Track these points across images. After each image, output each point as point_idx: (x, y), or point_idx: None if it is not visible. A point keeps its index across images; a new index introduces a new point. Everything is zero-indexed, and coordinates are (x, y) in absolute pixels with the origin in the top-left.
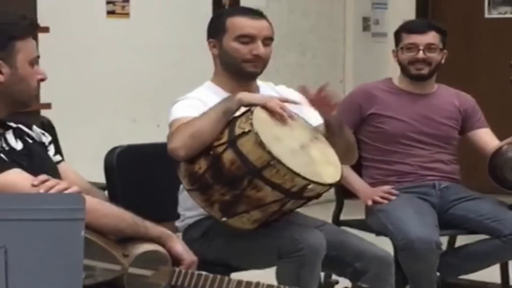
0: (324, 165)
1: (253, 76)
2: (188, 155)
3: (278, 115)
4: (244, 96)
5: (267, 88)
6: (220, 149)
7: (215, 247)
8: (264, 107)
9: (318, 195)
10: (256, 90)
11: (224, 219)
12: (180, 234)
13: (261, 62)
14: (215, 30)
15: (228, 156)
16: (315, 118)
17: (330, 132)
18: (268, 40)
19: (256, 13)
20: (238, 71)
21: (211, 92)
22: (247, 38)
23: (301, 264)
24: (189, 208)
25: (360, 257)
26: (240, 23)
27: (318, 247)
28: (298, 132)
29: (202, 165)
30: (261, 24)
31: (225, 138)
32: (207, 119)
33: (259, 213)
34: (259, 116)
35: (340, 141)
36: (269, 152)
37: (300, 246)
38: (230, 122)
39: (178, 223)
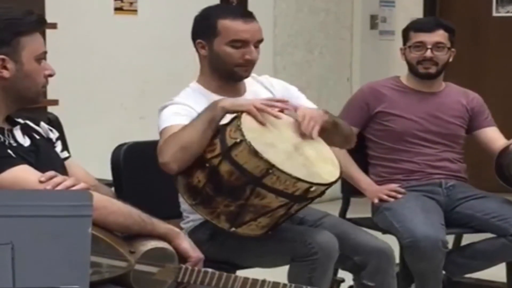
0: (320, 163)
1: (243, 79)
2: (181, 168)
3: (267, 113)
4: (227, 103)
5: (252, 81)
6: (215, 161)
7: (227, 248)
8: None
9: (322, 194)
10: (243, 88)
11: (232, 229)
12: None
13: (252, 66)
14: (204, 32)
15: (225, 167)
16: (306, 105)
17: (326, 132)
18: (258, 43)
19: (248, 16)
20: (229, 75)
21: (197, 93)
22: (240, 43)
23: (313, 267)
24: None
25: (358, 250)
26: (234, 27)
27: (331, 250)
28: (287, 132)
29: (200, 178)
30: (253, 28)
31: (218, 150)
32: (194, 130)
33: (266, 219)
34: (247, 123)
35: (338, 138)
36: (266, 161)
37: (314, 250)
38: (219, 131)
39: (183, 225)
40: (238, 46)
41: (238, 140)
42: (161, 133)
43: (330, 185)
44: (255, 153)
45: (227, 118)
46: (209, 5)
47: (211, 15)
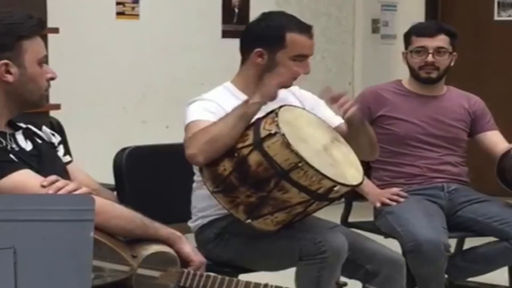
0: (346, 166)
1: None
2: (207, 160)
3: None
4: (257, 98)
5: (284, 91)
6: (245, 151)
7: (232, 248)
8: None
9: (341, 197)
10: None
11: (248, 221)
12: (189, 235)
13: None
14: (270, 41)
15: (255, 158)
16: (333, 118)
17: (353, 129)
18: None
19: (311, 31)
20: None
21: (229, 94)
22: (302, 58)
23: (322, 266)
24: (203, 208)
25: (372, 259)
26: (301, 43)
27: (341, 250)
28: (319, 133)
29: (226, 167)
30: (313, 43)
31: (250, 140)
32: (224, 124)
33: (283, 215)
34: (284, 118)
35: (364, 138)
36: (297, 154)
37: (323, 249)
38: (254, 124)
39: (190, 223)
40: (300, 60)
41: (273, 131)
42: (186, 127)
43: (352, 187)
44: (288, 145)
45: (263, 112)
46: (270, 12)
47: (281, 27)
